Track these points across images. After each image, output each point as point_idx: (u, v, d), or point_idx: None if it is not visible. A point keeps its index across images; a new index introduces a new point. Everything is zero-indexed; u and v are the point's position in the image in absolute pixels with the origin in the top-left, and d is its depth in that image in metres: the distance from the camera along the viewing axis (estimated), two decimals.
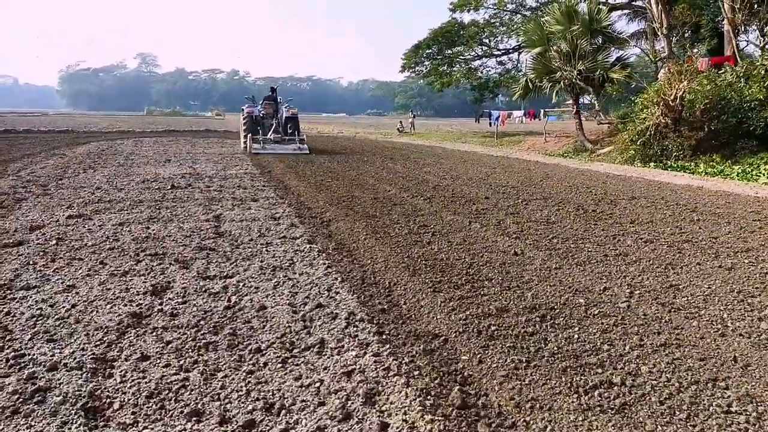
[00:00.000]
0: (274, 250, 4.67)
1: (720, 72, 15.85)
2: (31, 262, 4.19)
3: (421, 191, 8.44)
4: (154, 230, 5.38)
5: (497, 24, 31.01)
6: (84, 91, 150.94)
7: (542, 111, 25.03)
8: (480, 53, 32.70)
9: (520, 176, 10.88)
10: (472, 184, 9.43)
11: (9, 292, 3.57)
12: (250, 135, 15.44)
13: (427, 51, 33.71)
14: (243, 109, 16.97)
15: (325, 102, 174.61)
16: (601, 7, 21.38)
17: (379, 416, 2.15)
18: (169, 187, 8.31)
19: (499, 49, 31.52)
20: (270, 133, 16.11)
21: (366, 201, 7.41)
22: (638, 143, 15.54)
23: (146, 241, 4.94)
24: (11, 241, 4.80)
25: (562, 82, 20.15)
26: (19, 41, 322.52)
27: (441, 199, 7.70)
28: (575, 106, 21.88)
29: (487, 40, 32.48)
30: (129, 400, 2.24)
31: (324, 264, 4.28)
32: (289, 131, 16.25)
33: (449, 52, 33.28)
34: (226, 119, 66.39)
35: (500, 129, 26.58)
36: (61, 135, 22.59)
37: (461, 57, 33.21)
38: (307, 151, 15.42)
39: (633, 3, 25.88)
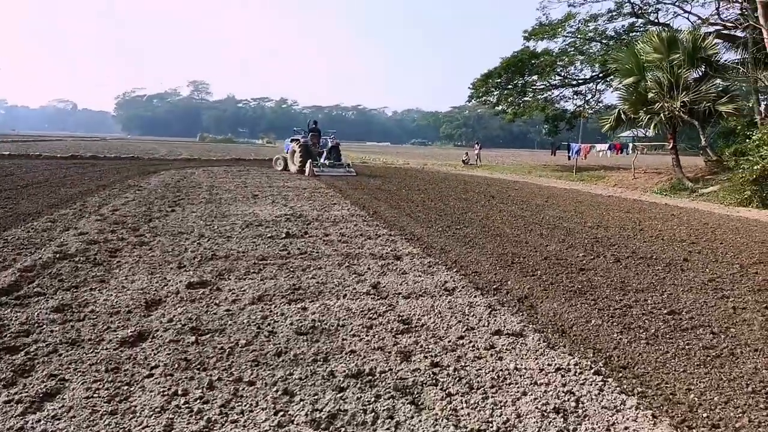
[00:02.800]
0: (534, 379, 3.04)
1: None
2: (173, 388, 2.70)
3: (584, 245, 6.74)
4: (315, 315, 3.86)
5: (572, 52, 29.33)
6: (138, 116, 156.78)
7: (631, 145, 22.90)
8: (555, 83, 31.03)
9: (677, 225, 9.02)
10: (638, 237, 7.66)
11: None
12: (310, 161, 18.48)
13: (497, 80, 32.34)
14: (297, 140, 19.83)
15: (369, 131, 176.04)
16: (705, 34, 19.53)
17: None
18: (283, 236, 6.90)
19: (576, 79, 29.73)
20: (323, 159, 19.36)
21: (547, 266, 5.76)
22: (758, 183, 13.54)
23: (315, 336, 3.42)
24: (129, 333, 3.37)
25: (661, 115, 18.21)
26: (79, 69, 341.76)
27: (627, 259, 5.98)
28: (672, 141, 19.83)
29: (561, 69, 30.84)
30: None
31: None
32: (332, 158, 19.69)
33: (521, 81, 31.80)
34: (277, 147, 66.72)
35: (579, 162, 24.62)
36: (128, 162, 22.07)
37: (534, 86, 31.67)
38: (354, 174, 19.08)
39: (732, 33, 23.79)
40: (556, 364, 3.01)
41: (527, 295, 4.49)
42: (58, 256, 5.33)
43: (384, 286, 4.69)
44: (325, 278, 4.91)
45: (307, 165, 18.29)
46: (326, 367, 2.91)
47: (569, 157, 25.61)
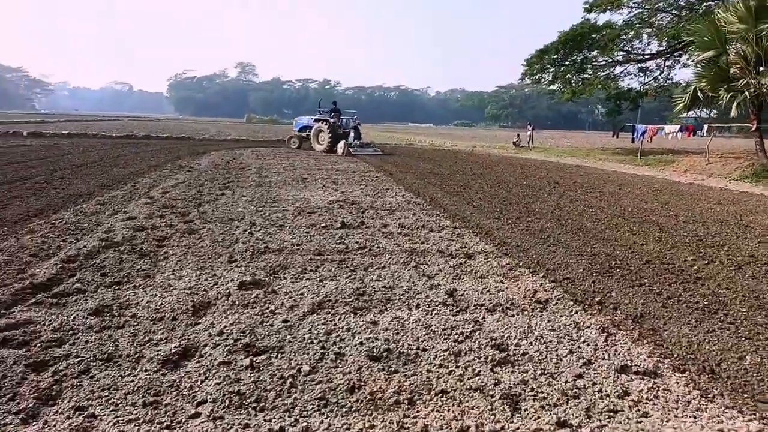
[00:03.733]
0: None
1: None
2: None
3: (686, 244, 5.80)
4: (387, 332, 3.22)
5: (638, 25, 27.17)
6: (189, 97, 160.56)
7: (706, 126, 20.96)
8: (618, 58, 28.97)
9: None
10: (747, 236, 6.61)
11: None
12: (345, 141, 19.00)
13: (553, 57, 30.54)
14: (326, 120, 19.93)
15: (411, 112, 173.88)
16: None
17: None
18: (338, 226, 6.31)
19: (642, 54, 27.62)
20: (351, 139, 19.45)
21: (653, 273, 4.91)
22: None
23: (392, 363, 2.78)
24: (173, 348, 2.82)
25: (746, 93, 16.43)
26: (135, 52, 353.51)
27: (749, 266, 5.03)
28: (755, 122, 17.95)
29: (625, 44, 28.73)
30: None
31: None
32: (356, 138, 19.91)
33: (579, 57, 29.92)
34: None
35: (643, 145, 22.88)
36: (179, 142, 22.14)
37: (594, 63, 29.74)
38: (380, 153, 19.78)
39: None
40: (729, 429, 2.24)
41: (643, 313, 3.68)
42: (103, 244, 4.92)
43: (462, 294, 3.99)
44: (392, 281, 4.26)
45: (341, 145, 18.88)
46: (415, 418, 2.26)
47: (633, 140, 23.83)
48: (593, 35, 27.97)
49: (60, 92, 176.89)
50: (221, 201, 7.73)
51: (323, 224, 6.38)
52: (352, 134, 19.83)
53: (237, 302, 3.61)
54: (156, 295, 3.68)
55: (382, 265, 4.75)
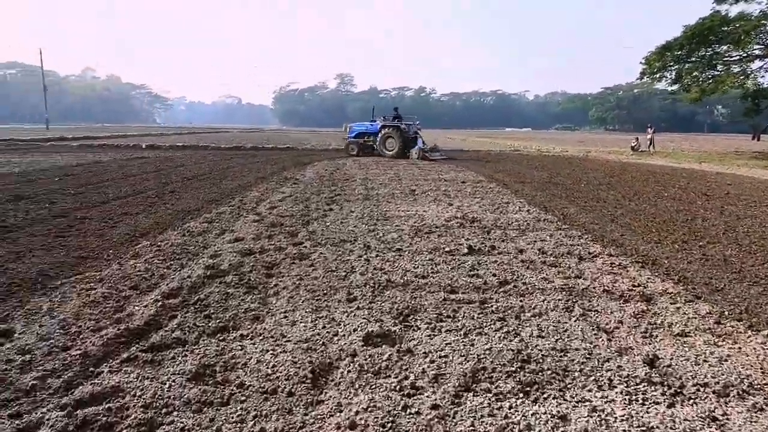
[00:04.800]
0: None
1: None
2: None
3: None
4: None
5: None
6: (292, 109, 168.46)
7: None
8: (757, 52, 25.28)
9: None
10: None
11: None
12: (419, 147, 19.55)
13: (677, 53, 27.39)
14: (396, 126, 19.81)
15: (508, 117, 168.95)
16: None
17: None
18: (465, 251, 5.35)
19: None
20: (420, 144, 19.78)
21: None
22: None
23: None
24: None
25: None
26: (243, 68, 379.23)
27: None
28: None
29: (764, 36, 24.99)
30: None
31: None
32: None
33: (708, 52, 26.54)
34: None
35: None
36: (284, 152, 22.49)
37: (726, 58, 26.23)
38: (445, 157, 20.14)
39: None
40: None
41: None
42: (208, 273, 4.37)
43: (668, 366, 2.85)
44: (559, 337, 3.22)
45: (416, 150, 19.35)
46: None
47: None
48: (723, 28, 24.65)
49: (178, 107, 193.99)
50: (330, 218, 7.10)
51: (446, 248, 5.45)
52: (420, 141, 19.96)
53: (365, 367, 2.77)
54: (267, 350, 2.95)
55: (536, 309, 3.72)
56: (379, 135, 19.94)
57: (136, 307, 3.58)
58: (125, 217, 6.73)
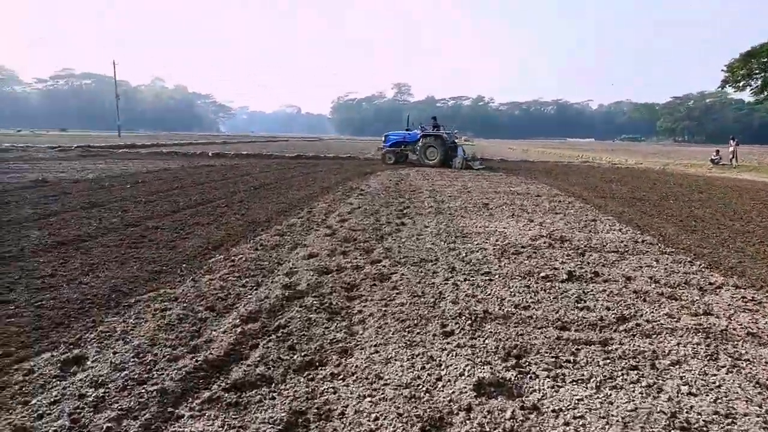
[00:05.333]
0: None
1: None
2: None
3: None
4: None
5: None
6: (349, 118, 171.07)
7: None
8: None
9: None
10: None
11: None
12: (462, 156, 19.41)
13: (764, 60, 25.34)
14: (438, 135, 19.72)
15: (570, 126, 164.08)
16: None
17: None
18: (563, 277, 4.76)
19: None
20: (460, 152, 19.59)
21: None
22: None
23: None
24: None
25: None
26: (303, 79, 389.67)
27: None
28: None
29: None
30: None
31: None
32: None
33: None
34: (475, 146, 64.79)
35: None
36: (345, 162, 22.39)
37: None
38: (484, 167, 19.74)
39: None
40: None
41: None
42: (287, 294, 4.03)
43: None
44: (717, 396, 2.61)
45: (459, 159, 19.15)
46: None
47: None
48: None
49: (240, 116, 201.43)
50: (404, 233, 6.67)
51: (541, 273, 4.87)
52: (460, 149, 19.86)
53: (487, 428, 2.28)
54: (364, 396, 2.53)
55: (672, 356, 3.10)
56: (419, 144, 19.85)
57: (214, 333, 3.26)
58: (197, 228, 6.58)
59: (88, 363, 2.81)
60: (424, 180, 14.17)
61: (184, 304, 3.73)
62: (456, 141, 20.99)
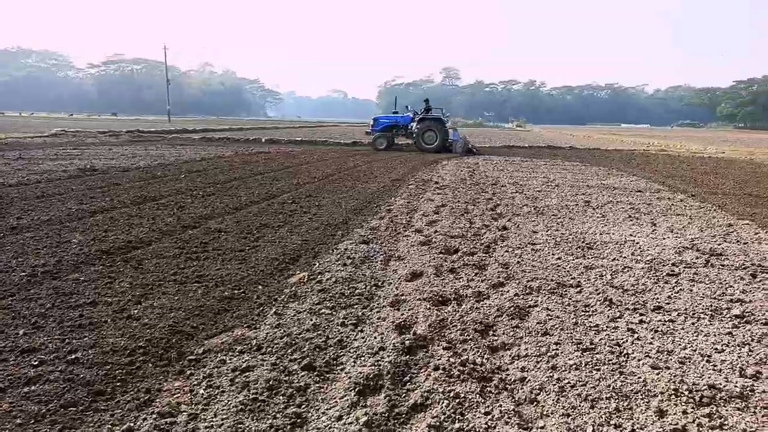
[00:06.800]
0: None
1: None
2: None
3: None
4: None
5: None
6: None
7: None
8: None
9: None
10: None
11: None
12: (464, 140, 18.93)
13: None
14: (434, 118, 19.09)
15: (624, 111, 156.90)
16: None
17: None
18: (764, 319, 3.44)
19: None
20: (458, 137, 19.06)
21: None
22: None
23: None
24: None
25: None
26: (349, 65, 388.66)
27: None
28: None
29: None
30: None
31: None
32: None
33: None
34: (531, 131, 62.17)
35: None
36: (404, 149, 21.19)
37: None
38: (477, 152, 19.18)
39: None
40: None
41: None
42: (405, 342, 2.91)
43: None
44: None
45: (460, 144, 18.63)
46: None
47: None
48: None
49: (287, 101, 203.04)
50: (511, 240, 5.46)
51: (731, 310, 3.57)
52: (456, 133, 19.35)
53: None
54: None
55: None
56: (416, 127, 19.04)
57: (322, 418, 2.18)
58: (266, 231, 5.58)
59: None
60: (499, 171, 12.81)
61: (273, 360, 2.68)
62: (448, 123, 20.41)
